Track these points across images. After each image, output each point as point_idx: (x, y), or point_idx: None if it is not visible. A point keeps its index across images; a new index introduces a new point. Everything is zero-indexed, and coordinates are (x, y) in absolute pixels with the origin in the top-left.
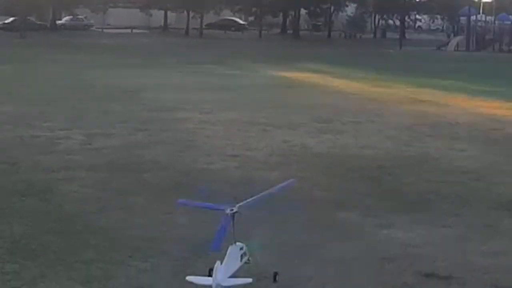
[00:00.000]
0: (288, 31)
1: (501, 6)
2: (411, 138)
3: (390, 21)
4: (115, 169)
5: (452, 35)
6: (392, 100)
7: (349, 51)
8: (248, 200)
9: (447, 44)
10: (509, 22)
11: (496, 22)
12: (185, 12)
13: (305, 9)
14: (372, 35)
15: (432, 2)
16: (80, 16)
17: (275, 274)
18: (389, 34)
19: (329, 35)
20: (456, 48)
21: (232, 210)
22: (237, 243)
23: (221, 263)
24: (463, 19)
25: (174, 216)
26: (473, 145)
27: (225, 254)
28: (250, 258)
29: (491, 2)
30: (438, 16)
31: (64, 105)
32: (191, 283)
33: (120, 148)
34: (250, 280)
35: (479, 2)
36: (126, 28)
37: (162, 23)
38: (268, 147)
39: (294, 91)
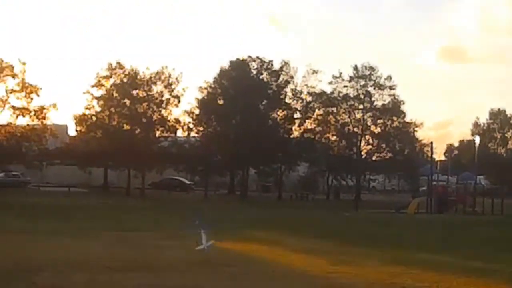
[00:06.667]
0: (236, 192)
1: (456, 165)
2: None
3: (343, 182)
4: None
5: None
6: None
7: (301, 214)
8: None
9: (407, 206)
10: (472, 182)
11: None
12: (126, 170)
13: (253, 168)
14: (325, 196)
15: (390, 161)
16: (15, 173)
17: None
18: (342, 195)
19: (279, 197)
20: (416, 210)
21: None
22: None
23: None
24: (422, 178)
25: None
26: None
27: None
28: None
29: (445, 161)
30: (396, 176)
31: None
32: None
33: None
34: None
35: (434, 161)
36: (65, 186)
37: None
38: None
39: (235, 272)
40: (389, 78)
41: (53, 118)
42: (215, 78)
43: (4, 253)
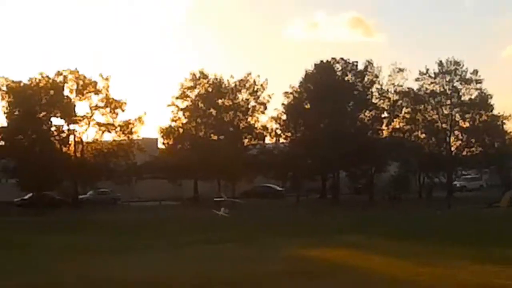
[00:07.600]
0: (328, 196)
1: None
2: None
3: (436, 179)
4: None
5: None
6: None
7: (393, 215)
8: None
9: (499, 200)
10: None
11: None
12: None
13: (344, 171)
14: (417, 195)
15: (480, 156)
16: (105, 190)
17: None
18: (435, 193)
19: (371, 198)
20: (510, 204)
21: None
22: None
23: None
24: None
25: None
26: None
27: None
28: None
29: None
30: (487, 170)
31: None
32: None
33: None
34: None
35: None
36: (155, 200)
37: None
38: None
39: (315, 284)
40: (475, 72)
41: (143, 132)
42: (300, 82)
43: (87, 275)
